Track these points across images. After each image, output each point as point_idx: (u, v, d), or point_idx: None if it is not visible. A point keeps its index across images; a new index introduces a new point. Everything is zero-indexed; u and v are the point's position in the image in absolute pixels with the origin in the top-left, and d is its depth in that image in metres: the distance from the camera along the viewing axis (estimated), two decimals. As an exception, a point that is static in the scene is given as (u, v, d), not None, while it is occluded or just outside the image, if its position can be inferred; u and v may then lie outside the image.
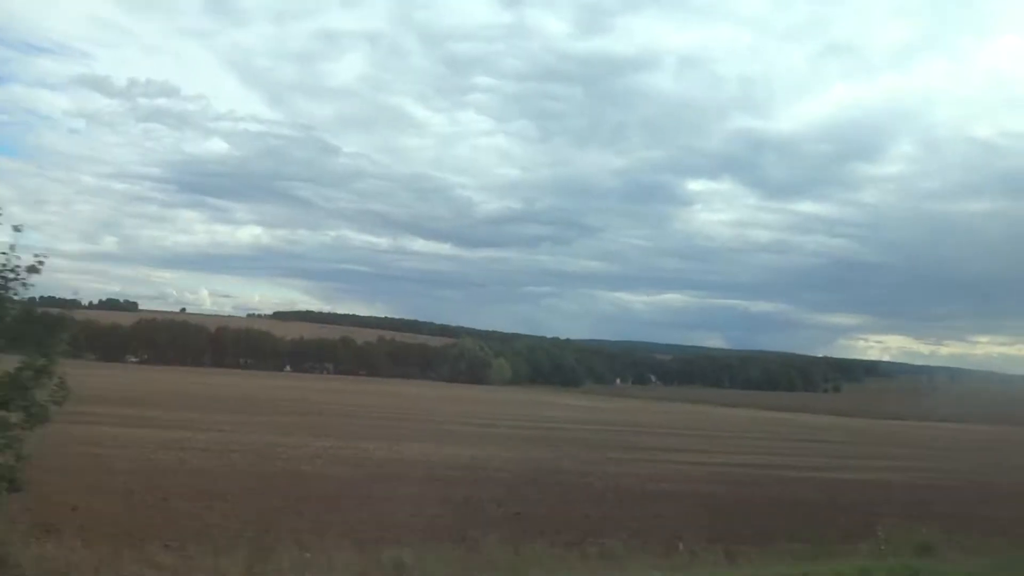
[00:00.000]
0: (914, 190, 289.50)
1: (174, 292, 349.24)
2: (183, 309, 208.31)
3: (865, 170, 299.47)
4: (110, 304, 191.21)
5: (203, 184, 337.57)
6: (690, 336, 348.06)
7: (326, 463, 24.30)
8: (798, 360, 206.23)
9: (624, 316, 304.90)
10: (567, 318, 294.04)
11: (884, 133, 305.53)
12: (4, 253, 9.24)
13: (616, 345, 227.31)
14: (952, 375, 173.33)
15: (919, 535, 12.35)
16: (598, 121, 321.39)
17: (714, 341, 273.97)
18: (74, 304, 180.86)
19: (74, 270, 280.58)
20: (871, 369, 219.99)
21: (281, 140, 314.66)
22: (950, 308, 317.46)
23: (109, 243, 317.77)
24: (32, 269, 9.34)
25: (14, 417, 9.10)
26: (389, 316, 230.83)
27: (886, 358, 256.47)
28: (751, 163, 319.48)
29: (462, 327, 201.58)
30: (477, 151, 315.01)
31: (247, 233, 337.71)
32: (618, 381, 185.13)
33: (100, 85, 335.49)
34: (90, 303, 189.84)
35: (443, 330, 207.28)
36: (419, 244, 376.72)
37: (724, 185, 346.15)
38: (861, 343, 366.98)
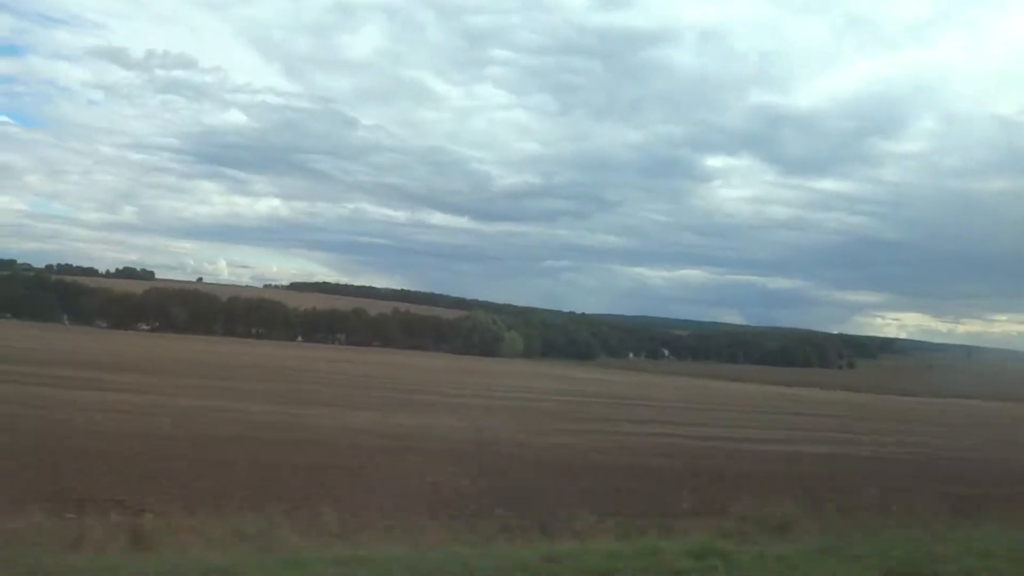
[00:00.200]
0: (935, 167, 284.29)
1: (192, 262, 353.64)
2: (200, 279, 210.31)
3: (885, 146, 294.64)
4: (127, 273, 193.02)
5: (221, 156, 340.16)
6: (709, 312, 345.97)
7: (244, 427, 23.59)
8: (814, 337, 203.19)
9: (643, 291, 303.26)
10: (586, 293, 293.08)
11: (905, 109, 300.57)
12: None
13: (634, 320, 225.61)
14: (969, 353, 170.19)
15: (778, 514, 11.16)
16: (617, 96, 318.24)
17: (732, 317, 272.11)
18: (90, 272, 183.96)
19: (93, 239, 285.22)
20: (886, 346, 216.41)
21: (299, 113, 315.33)
22: (969, 286, 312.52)
23: (128, 213, 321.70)
24: None
25: None
26: (406, 289, 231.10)
27: (904, 335, 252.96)
28: (770, 139, 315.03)
29: (478, 300, 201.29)
30: (495, 125, 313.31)
31: (265, 205, 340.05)
32: (631, 355, 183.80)
33: (117, 57, 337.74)
34: (107, 272, 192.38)
35: (459, 303, 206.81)
36: (437, 217, 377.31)
37: (743, 161, 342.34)
38: (879, 320, 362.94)
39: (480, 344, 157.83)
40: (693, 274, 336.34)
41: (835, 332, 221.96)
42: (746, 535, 10.60)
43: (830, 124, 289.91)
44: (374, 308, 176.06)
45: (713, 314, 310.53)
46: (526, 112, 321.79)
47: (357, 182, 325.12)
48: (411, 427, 27.40)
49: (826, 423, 45.86)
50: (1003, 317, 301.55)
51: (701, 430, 35.43)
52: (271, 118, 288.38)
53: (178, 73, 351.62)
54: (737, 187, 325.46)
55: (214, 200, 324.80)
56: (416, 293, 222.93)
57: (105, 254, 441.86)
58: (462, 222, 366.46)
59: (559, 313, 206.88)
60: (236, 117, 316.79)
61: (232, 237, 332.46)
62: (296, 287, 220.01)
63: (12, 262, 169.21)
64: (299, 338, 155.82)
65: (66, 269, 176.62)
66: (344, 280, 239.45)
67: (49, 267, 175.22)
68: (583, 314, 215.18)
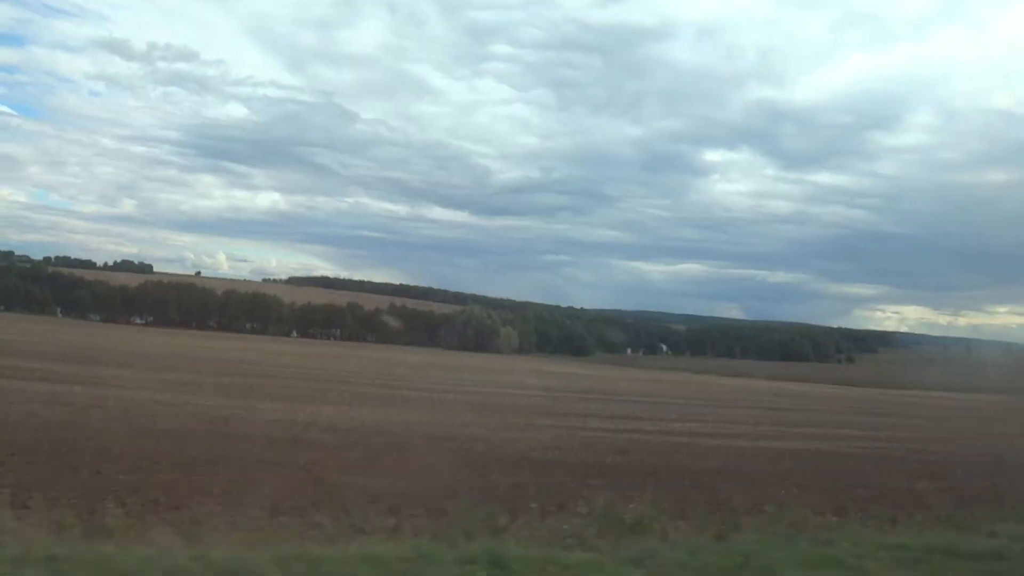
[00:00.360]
0: (933, 160, 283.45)
1: (191, 256, 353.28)
2: (199, 273, 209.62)
3: (883, 140, 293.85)
4: (124, 266, 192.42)
5: (222, 149, 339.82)
6: (708, 306, 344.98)
7: (166, 418, 22.90)
8: (813, 331, 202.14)
9: (641, 286, 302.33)
10: (584, 287, 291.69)
11: (902, 103, 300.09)
12: None
13: (633, 315, 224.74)
14: (969, 345, 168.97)
15: (634, 512, 10.32)
16: (616, 91, 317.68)
17: (732, 311, 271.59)
18: (88, 265, 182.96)
19: (92, 231, 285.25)
20: (886, 339, 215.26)
21: (300, 106, 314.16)
22: (969, 278, 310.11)
23: (128, 206, 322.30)
24: None
25: None
26: (405, 283, 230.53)
27: (904, 328, 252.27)
28: (769, 133, 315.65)
29: (476, 295, 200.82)
30: (496, 119, 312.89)
31: (265, 198, 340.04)
32: (629, 351, 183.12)
33: (119, 48, 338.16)
34: (105, 264, 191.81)
35: (456, 298, 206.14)
36: (436, 212, 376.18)
37: (742, 155, 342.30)
38: (878, 314, 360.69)
39: (475, 339, 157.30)
40: (692, 268, 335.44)
41: (835, 326, 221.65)
42: (582, 538, 9.68)
43: (829, 118, 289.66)
44: (371, 303, 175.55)
45: (712, 308, 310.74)
46: (526, 107, 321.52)
47: (357, 176, 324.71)
48: (364, 422, 26.67)
49: (807, 418, 45.05)
50: (1003, 309, 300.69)
51: (675, 426, 34.62)
52: (272, 111, 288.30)
53: (180, 65, 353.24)
54: (736, 181, 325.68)
55: (214, 193, 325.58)
56: (415, 287, 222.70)
57: (104, 246, 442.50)
58: (462, 216, 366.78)
59: (555, 308, 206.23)
60: (237, 110, 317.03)
61: (232, 231, 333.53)
62: (294, 281, 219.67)
63: (10, 253, 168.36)
64: (294, 333, 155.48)
65: (64, 261, 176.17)
66: (343, 274, 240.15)
67: (47, 259, 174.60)
68: (582, 309, 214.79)
